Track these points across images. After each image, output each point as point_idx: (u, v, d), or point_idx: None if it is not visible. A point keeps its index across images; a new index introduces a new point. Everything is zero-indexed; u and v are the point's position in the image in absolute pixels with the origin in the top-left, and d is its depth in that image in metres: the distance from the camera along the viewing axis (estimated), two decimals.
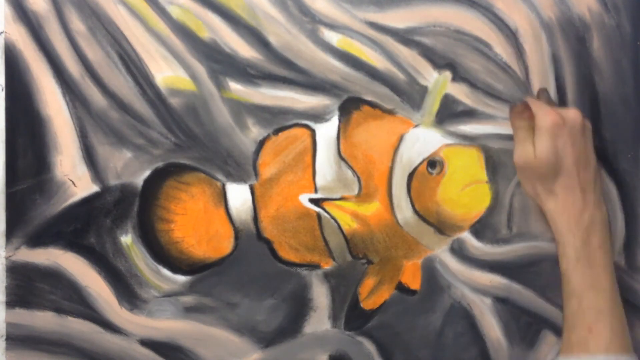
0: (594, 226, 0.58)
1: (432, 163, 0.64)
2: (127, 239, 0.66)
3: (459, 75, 0.64)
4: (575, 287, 0.57)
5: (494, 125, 0.64)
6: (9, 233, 0.66)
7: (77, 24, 0.65)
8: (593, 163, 0.59)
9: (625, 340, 0.57)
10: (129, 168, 0.65)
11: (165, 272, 0.66)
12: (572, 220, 0.58)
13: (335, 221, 0.65)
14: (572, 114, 0.58)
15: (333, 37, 0.65)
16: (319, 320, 0.65)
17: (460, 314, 0.65)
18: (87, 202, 0.66)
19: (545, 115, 0.58)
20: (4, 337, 0.66)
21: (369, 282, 0.65)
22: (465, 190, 0.64)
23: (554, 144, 0.57)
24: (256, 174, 0.65)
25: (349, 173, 0.65)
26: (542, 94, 0.63)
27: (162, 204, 0.66)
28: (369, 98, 0.65)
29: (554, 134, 0.57)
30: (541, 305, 0.65)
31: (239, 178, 0.65)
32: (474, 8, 0.64)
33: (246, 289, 0.65)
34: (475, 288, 0.65)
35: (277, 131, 0.65)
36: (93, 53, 0.65)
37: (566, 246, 0.58)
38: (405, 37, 0.64)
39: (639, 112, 0.64)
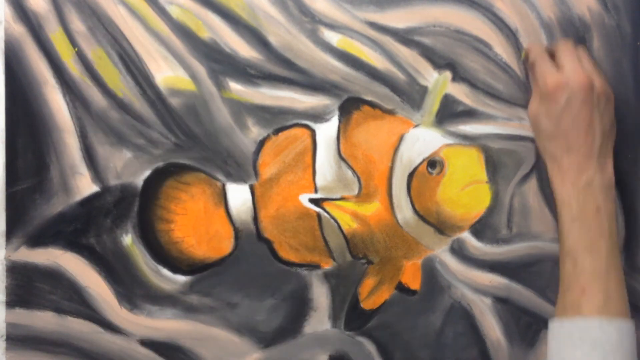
0: (591, 189, 0.57)
1: (432, 163, 0.64)
2: (127, 239, 0.66)
3: (459, 75, 0.64)
4: (570, 248, 0.57)
5: (494, 125, 0.64)
6: (9, 233, 0.66)
7: (77, 24, 0.65)
8: (602, 128, 0.58)
9: (620, 303, 0.56)
10: (129, 168, 0.65)
11: (165, 272, 0.66)
12: (568, 181, 0.57)
13: (335, 221, 0.65)
14: (578, 78, 0.57)
15: (333, 37, 0.65)
16: (319, 320, 0.65)
17: (460, 314, 0.65)
18: (87, 202, 0.66)
19: (545, 77, 0.58)
20: (4, 337, 0.66)
21: (369, 282, 0.65)
22: (465, 190, 0.64)
23: (548, 107, 0.58)
24: (256, 174, 0.65)
25: (349, 173, 0.65)
26: (563, 45, 0.61)
27: (162, 204, 0.66)
28: (369, 98, 0.65)
29: (550, 97, 0.57)
30: (541, 305, 0.65)
31: (239, 178, 0.65)
32: (474, 8, 0.64)
33: (246, 289, 0.65)
34: (475, 288, 0.65)
35: (277, 131, 0.65)
36: (93, 53, 0.65)
37: (562, 206, 0.58)
38: (405, 37, 0.64)
39: (639, 112, 0.64)
